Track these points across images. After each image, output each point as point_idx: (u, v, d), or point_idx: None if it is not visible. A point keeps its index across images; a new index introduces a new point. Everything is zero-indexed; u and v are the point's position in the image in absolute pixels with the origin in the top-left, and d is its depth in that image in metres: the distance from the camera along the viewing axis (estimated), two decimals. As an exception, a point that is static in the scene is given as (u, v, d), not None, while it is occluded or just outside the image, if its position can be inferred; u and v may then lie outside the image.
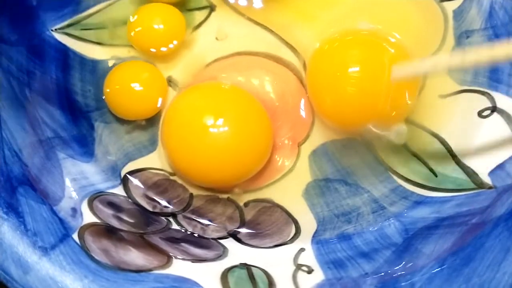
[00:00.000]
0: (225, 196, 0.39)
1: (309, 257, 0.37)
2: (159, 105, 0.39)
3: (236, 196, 0.39)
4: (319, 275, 0.35)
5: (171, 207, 0.39)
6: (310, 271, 0.36)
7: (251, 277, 0.35)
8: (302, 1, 0.41)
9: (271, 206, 0.39)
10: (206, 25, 0.41)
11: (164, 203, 0.39)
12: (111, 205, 0.37)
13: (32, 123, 0.36)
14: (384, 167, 0.39)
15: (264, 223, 0.39)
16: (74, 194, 0.36)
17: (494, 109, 0.38)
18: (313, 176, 0.39)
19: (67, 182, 0.36)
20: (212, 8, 0.41)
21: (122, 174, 0.39)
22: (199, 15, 0.41)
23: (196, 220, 0.39)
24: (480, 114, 0.38)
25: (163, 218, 0.38)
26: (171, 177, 0.39)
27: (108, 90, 0.39)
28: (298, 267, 0.36)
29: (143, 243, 0.35)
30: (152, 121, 0.40)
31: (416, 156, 0.39)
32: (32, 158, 0.35)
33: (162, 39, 0.39)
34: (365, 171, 0.39)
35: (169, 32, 0.39)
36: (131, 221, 0.37)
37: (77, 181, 0.37)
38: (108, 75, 0.39)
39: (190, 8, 0.41)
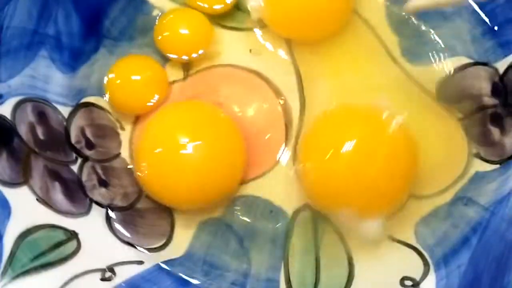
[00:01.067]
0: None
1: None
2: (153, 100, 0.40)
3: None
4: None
5: (91, 152, 0.39)
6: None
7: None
8: (336, 62, 0.41)
9: (164, 210, 0.37)
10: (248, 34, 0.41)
11: (90, 144, 0.39)
12: (40, 115, 0.38)
13: (42, 12, 0.39)
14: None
15: (147, 221, 0.37)
16: (17, 84, 0.37)
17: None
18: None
19: (24, 72, 0.37)
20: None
21: (81, 101, 0.40)
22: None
23: (99, 176, 0.38)
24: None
25: (74, 154, 0.38)
26: (118, 130, 0.39)
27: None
28: None
29: (19, 158, 0.36)
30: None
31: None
32: (12, 39, 0.36)
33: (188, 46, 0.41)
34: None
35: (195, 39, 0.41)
36: (41, 138, 0.37)
37: (33, 79, 0.38)
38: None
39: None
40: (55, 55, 0.40)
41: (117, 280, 0.33)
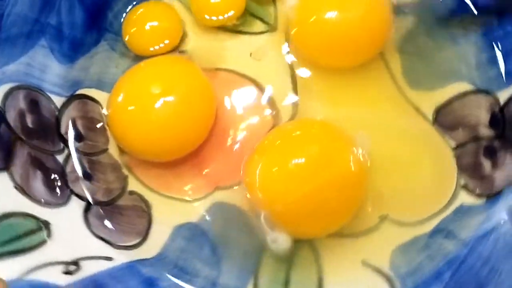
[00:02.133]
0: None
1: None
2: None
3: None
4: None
5: (79, 144, 0.39)
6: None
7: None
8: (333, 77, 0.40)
9: (143, 210, 0.38)
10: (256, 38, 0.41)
11: (79, 136, 0.40)
12: (32, 103, 0.38)
13: (45, 2, 0.39)
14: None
15: (125, 218, 0.37)
16: (12, 71, 0.37)
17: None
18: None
19: (21, 60, 0.38)
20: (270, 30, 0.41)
21: (76, 92, 0.41)
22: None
23: (84, 167, 0.39)
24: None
25: (61, 144, 0.39)
26: (106, 126, 0.40)
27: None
28: None
29: (3, 144, 0.36)
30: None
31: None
32: (12, 26, 0.37)
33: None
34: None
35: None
36: (30, 126, 0.38)
37: (29, 67, 0.39)
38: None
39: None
40: (54, 45, 0.40)
41: (81, 274, 0.33)
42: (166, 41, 0.41)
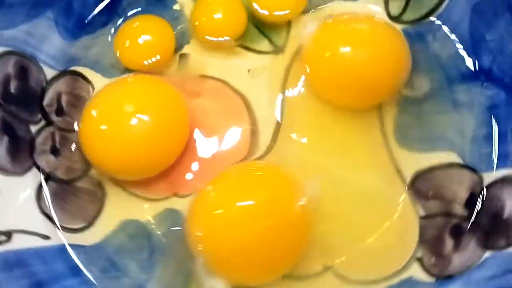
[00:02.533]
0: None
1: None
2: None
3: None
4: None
5: (58, 118, 0.40)
6: None
7: None
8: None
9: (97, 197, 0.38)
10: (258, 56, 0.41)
11: (60, 111, 0.40)
12: (21, 70, 0.39)
13: None
14: None
15: (77, 201, 0.38)
16: (10, 36, 0.38)
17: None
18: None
19: (21, 27, 0.38)
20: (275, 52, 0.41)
21: (70, 68, 0.42)
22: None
23: (54, 142, 0.39)
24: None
25: (39, 115, 0.40)
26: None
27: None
28: None
29: None
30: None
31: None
32: None
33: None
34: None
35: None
36: (12, 92, 0.38)
37: (28, 35, 0.39)
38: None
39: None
40: (60, 19, 0.41)
41: (8, 246, 0.34)
42: (157, 57, 0.40)
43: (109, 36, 0.42)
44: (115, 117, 0.37)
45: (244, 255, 0.33)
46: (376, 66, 0.38)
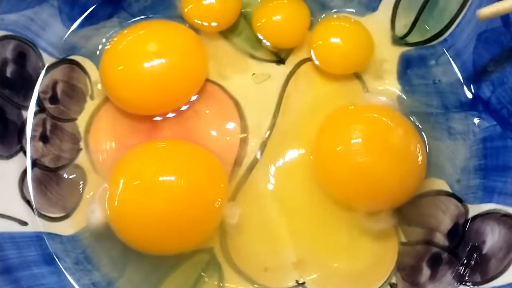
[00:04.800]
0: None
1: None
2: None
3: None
4: None
5: (51, 106, 0.40)
6: None
7: None
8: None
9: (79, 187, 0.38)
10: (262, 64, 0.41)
11: (55, 99, 0.40)
12: (19, 55, 0.39)
13: None
14: None
15: (59, 190, 0.38)
16: (11, 20, 0.38)
17: None
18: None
19: (24, 12, 0.38)
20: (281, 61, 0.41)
21: (69, 57, 0.42)
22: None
23: (45, 129, 0.40)
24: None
25: (33, 100, 0.40)
26: (87, 98, 0.40)
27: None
28: None
29: None
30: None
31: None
32: None
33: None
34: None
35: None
36: (8, 75, 0.38)
37: (30, 21, 0.39)
38: None
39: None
40: (65, 8, 0.41)
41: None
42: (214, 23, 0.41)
43: (112, 30, 0.42)
44: (138, 53, 0.38)
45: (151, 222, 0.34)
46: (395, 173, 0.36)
